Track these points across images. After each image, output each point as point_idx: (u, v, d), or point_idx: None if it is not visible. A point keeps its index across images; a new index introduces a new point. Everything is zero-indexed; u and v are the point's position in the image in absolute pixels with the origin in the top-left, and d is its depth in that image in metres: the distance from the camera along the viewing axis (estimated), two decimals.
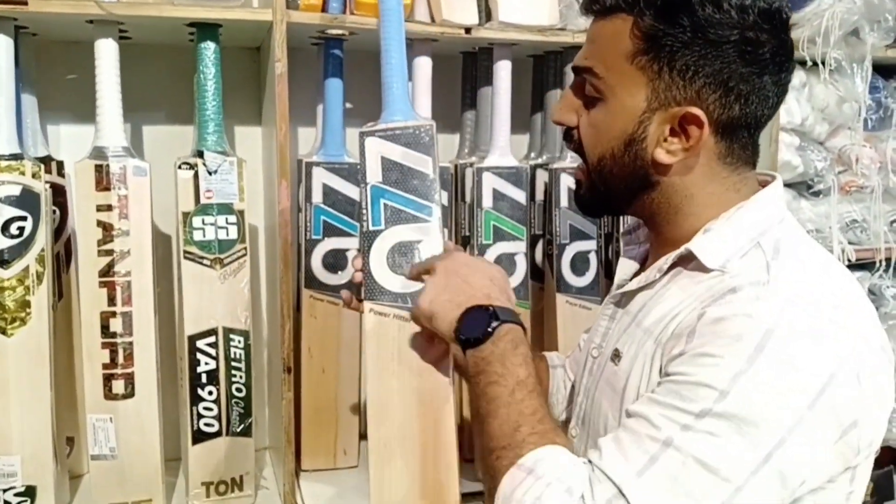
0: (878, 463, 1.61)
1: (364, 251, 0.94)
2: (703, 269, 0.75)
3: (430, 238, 0.94)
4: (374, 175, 0.95)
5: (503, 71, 1.31)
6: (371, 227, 0.94)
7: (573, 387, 0.99)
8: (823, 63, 1.41)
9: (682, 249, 0.76)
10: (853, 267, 1.53)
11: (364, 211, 0.94)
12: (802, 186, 1.54)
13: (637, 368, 0.76)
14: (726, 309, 0.67)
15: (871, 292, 1.58)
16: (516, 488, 0.68)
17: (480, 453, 0.76)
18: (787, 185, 1.52)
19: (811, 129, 1.50)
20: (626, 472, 0.65)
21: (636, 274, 0.89)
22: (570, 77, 1.36)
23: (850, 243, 1.53)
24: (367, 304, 0.93)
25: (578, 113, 0.80)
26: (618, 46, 0.74)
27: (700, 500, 0.63)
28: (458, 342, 0.81)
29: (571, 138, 0.82)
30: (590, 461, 0.69)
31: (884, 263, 1.56)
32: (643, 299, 0.81)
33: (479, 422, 0.77)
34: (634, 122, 0.75)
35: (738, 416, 0.63)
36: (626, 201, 0.81)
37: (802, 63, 1.44)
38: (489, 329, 0.78)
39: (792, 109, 1.46)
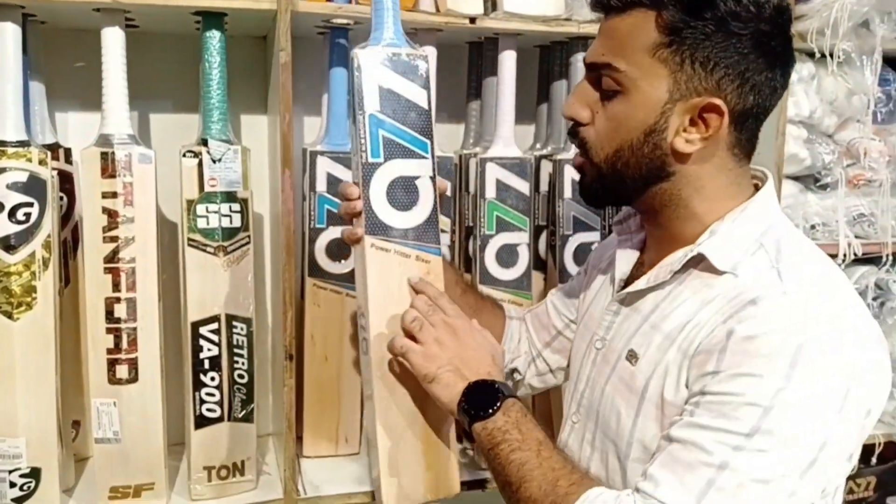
0: (882, 458, 1.61)
1: (363, 184, 0.92)
2: (714, 270, 0.78)
3: (426, 175, 0.94)
4: (371, 103, 0.92)
5: (508, 61, 1.31)
6: (370, 159, 0.92)
7: (569, 371, 1.01)
8: (832, 55, 1.40)
9: (692, 252, 0.79)
10: (860, 261, 1.52)
11: (363, 140, 0.91)
12: (810, 180, 1.53)
13: (659, 373, 0.78)
14: (753, 327, 0.70)
15: (877, 286, 1.57)
16: None
17: None
18: (794, 178, 1.51)
19: (819, 121, 1.49)
20: (687, 499, 0.68)
21: (637, 266, 0.91)
22: (576, 68, 1.37)
23: (856, 237, 1.51)
24: (368, 239, 0.92)
25: (593, 108, 0.81)
26: (638, 40, 0.76)
27: None
28: (463, 413, 0.86)
29: (577, 133, 0.83)
30: (639, 490, 0.72)
31: (891, 258, 1.55)
32: (655, 300, 0.83)
33: (511, 490, 0.80)
34: (657, 113, 0.77)
35: (784, 430, 0.68)
36: (637, 192, 0.83)
37: (811, 55, 1.43)
38: (499, 405, 0.84)
39: (800, 102, 1.45)
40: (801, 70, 1.45)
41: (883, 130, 1.56)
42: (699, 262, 0.79)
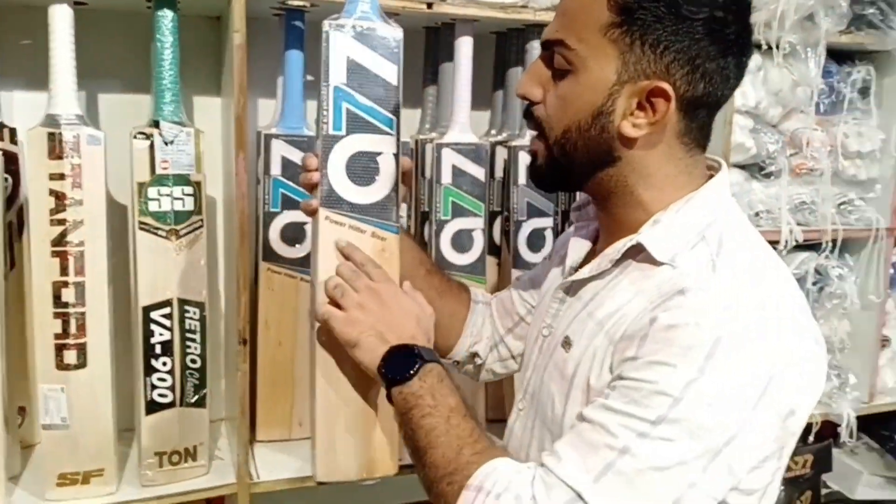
0: (818, 437, 1.68)
1: (322, 156, 0.91)
2: (653, 261, 0.77)
3: (389, 152, 0.93)
4: (337, 75, 0.91)
5: (465, 47, 1.31)
6: (331, 132, 0.91)
7: (523, 357, 1.01)
8: (778, 47, 1.44)
9: (632, 241, 0.78)
10: (801, 247, 1.58)
11: (325, 112, 0.91)
12: (755, 168, 1.58)
13: (587, 360, 0.78)
14: (677, 316, 0.69)
15: (817, 272, 1.63)
16: None
17: (427, 484, 0.79)
18: (741, 166, 1.56)
19: (765, 111, 1.53)
20: (585, 478, 0.68)
21: (589, 255, 0.91)
22: (532, 55, 1.38)
23: (798, 224, 1.57)
24: (322, 212, 0.92)
25: (545, 87, 0.80)
26: (590, 19, 0.75)
27: (656, 500, 0.67)
28: (382, 378, 0.85)
29: (532, 114, 0.82)
30: (543, 465, 0.72)
31: (830, 244, 1.61)
32: (595, 288, 0.82)
33: (418, 456, 0.80)
34: (604, 95, 0.76)
35: (691, 421, 0.67)
36: (585, 176, 0.82)
37: (758, 46, 1.47)
38: (415, 369, 0.83)
39: (747, 92, 1.49)
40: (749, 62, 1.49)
41: (825, 121, 1.62)
42: (639, 252, 0.78)
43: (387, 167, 0.94)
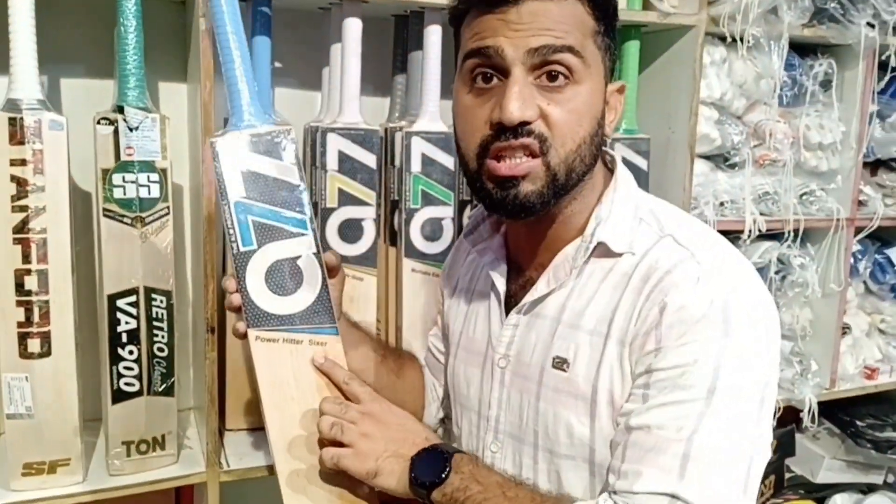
0: (781, 422, 1.72)
1: (239, 275, 0.87)
2: (610, 254, 0.79)
3: (308, 252, 0.89)
4: (235, 190, 0.87)
5: (434, 35, 1.31)
6: (242, 248, 0.87)
7: (457, 403, 0.96)
8: (742, 39, 1.46)
9: (591, 243, 0.79)
10: (763, 237, 1.61)
11: (231, 231, 0.87)
12: (720, 159, 1.60)
13: (604, 373, 0.76)
14: (681, 296, 0.72)
15: (779, 261, 1.66)
16: None
17: None
18: (706, 157, 1.58)
19: (729, 103, 1.56)
20: (669, 479, 0.68)
21: (515, 274, 0.89)
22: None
23: (761, 214, 1.60)
24: (252, 333, 0.87)
25: (537, 104, 0.74)
26: (581, 26, 0.75)
27: (738, 465, 0.69)
28: (419, 489, 0.80)
29: (530, 133, 0.74)
30: (616, 492, 0.71)
31: (792, 234, 1.64)
32: (558, 300, 0.81)
33: None
34: (602, 100, 0.78)
35: (735, 381, 0.70)
36: (572, 189, 0.79)
37: (723, 39, 1.49)
38: (447, 466, 0.79)
39: (712, 84, 1.51)
40: (714, 53, 1.51)
41: (788, 113, 1.65)
42: (594, 250, 0.80)
43: (310, 269, 0.89)
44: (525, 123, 0.73)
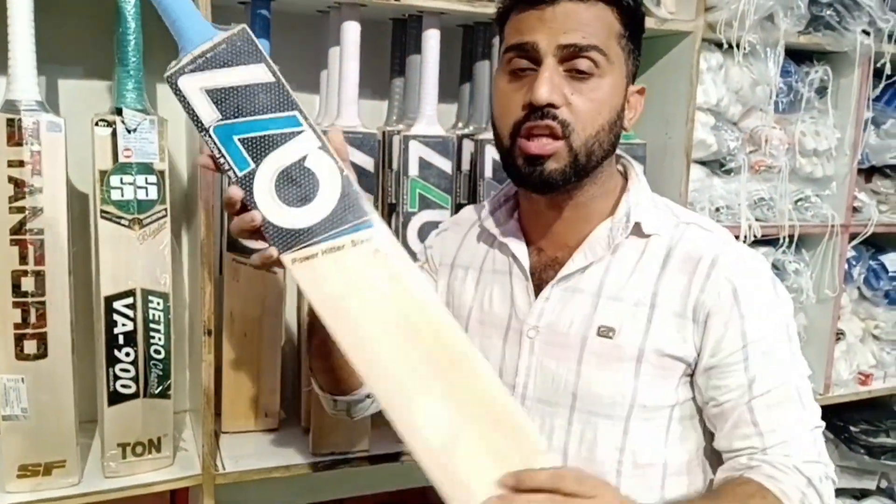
0: None
1: (250, 200, 0.77)
2: (641, 234, 0.90)
3: (312, 148, 0.78)
4: (209, 115, 0.77)
5: (432, 40, 1.32)
6: (240, 173, 0.77)
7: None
8: (739, 46, 1.47)
9: (631, 223, 0.90)
10: (759, 242, 1.62)
11: (223, 160, 0.77)
12: (715, 164, 1.61)
13: (654, 337, 0.86)
14: (741, 275, 0.86)
15: (774, 266, 1.67)
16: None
17: None
18: (702, 162, 1.59)
19: (726, 109, 1.57)
20: (804, 416, 0.87)
21: (535, 252, 0.96)
22: (493, 49, 1.40)
23: (756, 220, 1.61)
24: (286, 259, 0.77)
25: (563, 92, 0.84)
26: (611, 29, 0.85)
27: (813, 398, 0.88)
28: None
29: (555, 116, 0.83)
30: (764, 451, 0.85)
31: (787, 240, 1.65)
32: (596, 275, 0.90)
33: None
34: (622, 96, 0.88)
35: (793, 330, 0.89)
36: (592, 171, 0.88)
37: (719, 45, 1.50)
38: None
39: (708, 90, 1.52)
40: (710, 60, 1.52)
41: (783, 120, 1.66)
42: (631, 229, 0.90)
43: (321, 165, 0.78)
44: (552, 106, 0.83)
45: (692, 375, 0.89)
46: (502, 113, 0.88)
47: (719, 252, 0.87)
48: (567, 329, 0.90)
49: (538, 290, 0.93)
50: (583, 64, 0.83)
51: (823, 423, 0.88)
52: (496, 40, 1.38)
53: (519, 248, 0.95)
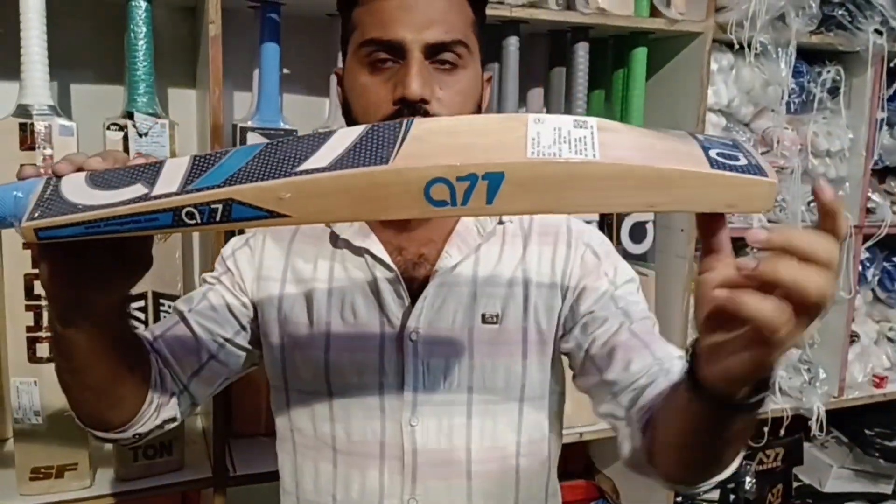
0: (789, 430, 1.71)
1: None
2: (498, 220, 0.91)
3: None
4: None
5: None
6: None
7: (328, 392, 0.89)
8: (750, 46, 1.46)
9: (494, 219, 0.89)
10: None
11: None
12: None
13: (532, 317, 0.88)
14: (595, 240, 0.92)
15: None
16: None
17: None
18: None
19: (737, 110, 1.56)
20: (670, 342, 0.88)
21: (396, 252, 0.88)
22: (508, 51, 1.39)
23: (769, 221, 1.60)
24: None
25: (433, 86, 0.80)
26: (466, 18, 0.83)
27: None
28: None
29: (426, 112, 0.79)
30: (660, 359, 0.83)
31: None
32: (468, 266, 0.88)
33: None
34: (481, 85, 0.86)
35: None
36: None
37: (730, 46, 1.49)
38: None
39: (719, 90, 1.51)
40: (721, 60, 1.51)
41: (795, 120, 1.64)
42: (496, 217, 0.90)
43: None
44: (423, 101, 0.80)
45: (566, 335, 0.90)
46: (367, 107, 0.82)
47: (569, 222, 0.92)
48: (451, 324, 0.86)
49: (409, 290, 0.87)
50: (448, 57, 0.81)
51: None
52: (505, 42, 1.38)
53: (379, 249, 0.87)
